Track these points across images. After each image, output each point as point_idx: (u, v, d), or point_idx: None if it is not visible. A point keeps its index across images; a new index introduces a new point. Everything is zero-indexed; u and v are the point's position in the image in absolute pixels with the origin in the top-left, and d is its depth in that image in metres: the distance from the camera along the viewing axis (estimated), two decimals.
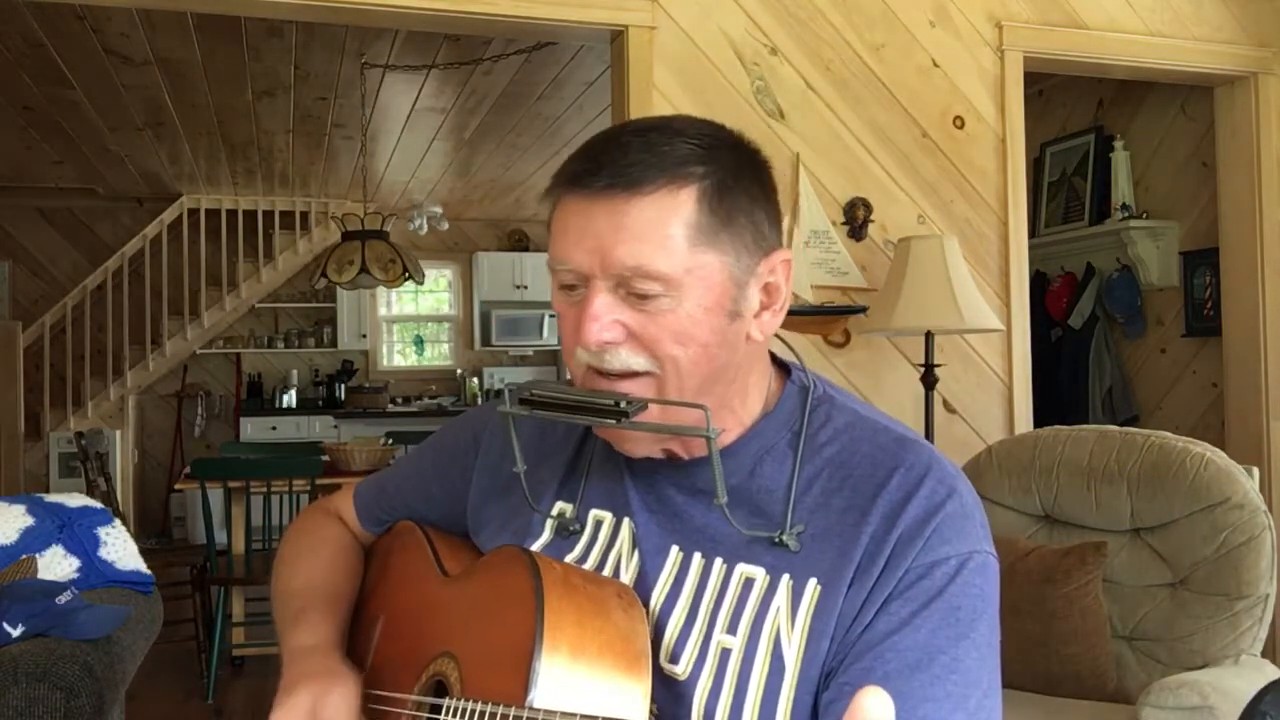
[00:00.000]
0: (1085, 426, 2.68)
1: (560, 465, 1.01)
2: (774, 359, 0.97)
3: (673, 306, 0.83)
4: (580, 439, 1.01)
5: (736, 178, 0.86)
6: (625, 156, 0.83)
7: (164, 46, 4.26)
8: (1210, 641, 2.31)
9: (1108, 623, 2.40)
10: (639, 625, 0.83)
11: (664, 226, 0.82)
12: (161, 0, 3.14)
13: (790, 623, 0.84)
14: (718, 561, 0.89)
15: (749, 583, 0.87)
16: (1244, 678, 2.18)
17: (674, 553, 0.91)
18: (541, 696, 0.76)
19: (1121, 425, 3.24)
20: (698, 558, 0.90)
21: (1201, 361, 4.14)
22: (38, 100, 5.02)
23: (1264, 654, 2.35)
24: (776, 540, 0.86)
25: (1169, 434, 2.51)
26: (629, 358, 0.85)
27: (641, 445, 0.89)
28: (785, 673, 0.83)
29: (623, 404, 0.83)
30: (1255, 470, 2.42)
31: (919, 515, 0.84)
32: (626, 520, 0.94)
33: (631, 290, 0.83)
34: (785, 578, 0.85)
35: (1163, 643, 2.38)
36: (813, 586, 0.84)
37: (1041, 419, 3.35)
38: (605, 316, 0.84)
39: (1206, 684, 2.07)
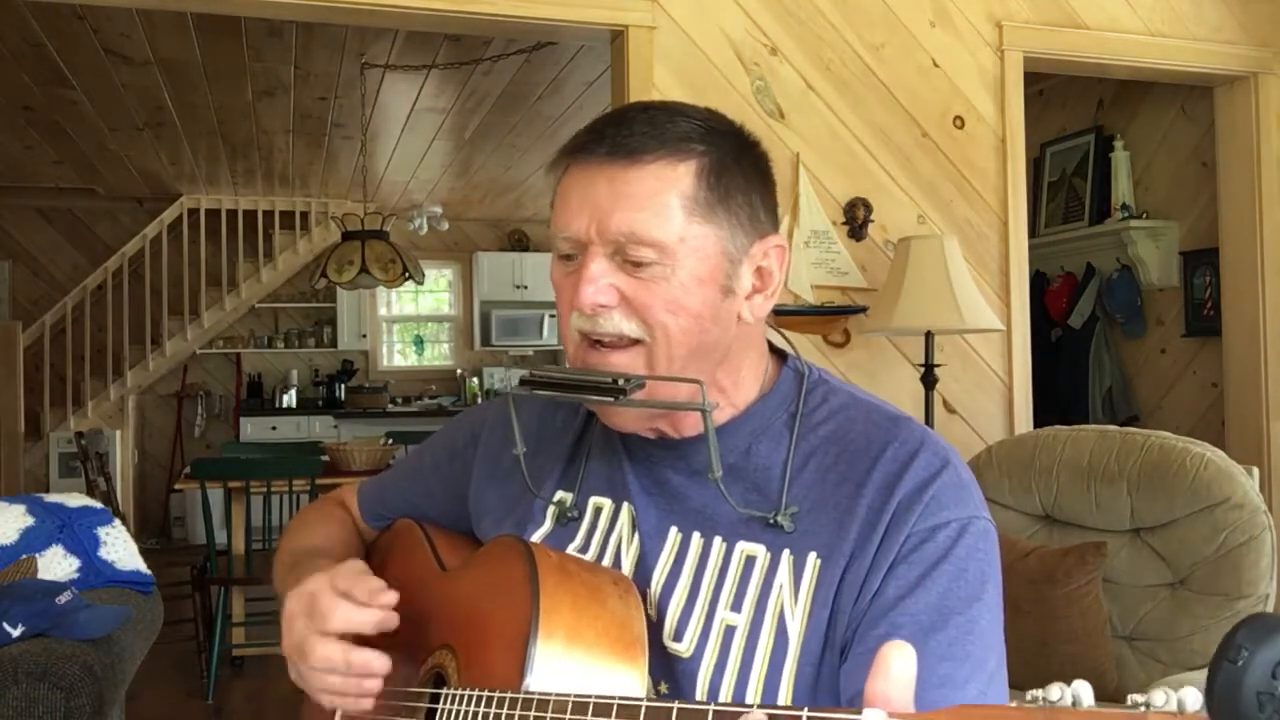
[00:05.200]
0: (1085, 426, 2.68)
1: (560, 454, 1.02)
2: (771, 348, 0.99)
3: (666, 275, 0.85)
4: (580, 428, 1.02)
5: (736, 159, 0.89)
6: (628, 128, 0.87)
7: (164, 46, 4.26)
8: (1210, 641, 2.31)
9: (1108, 623, 2.40)
10: (635, 612, 0.84)
11: (661, 195, 0.85)
12: (161, 0, 3.14)
13: (794, 597, 0.86)
14: (717, 540, 0.90)
15: (750, 560, 0.88)
16: None
17: (673, 534, 0.92)
18: (537, 680, 0.77)
19: (1121, 425, 3.24)
20: (696, 537, 0.91)
21: (1201, 361, 4.14)
22: (38, 100, 5.02)
23: None
24: (771, 521, 0.88)
25: (1169, 434, 2.51)
26: (621, 322, 0.86)
27: (630, 421, 0.91)
28: (789, 646, 0.84)
29: (620, 382, 0.85)
30: (1255, 470, 2.42)
31: (915, 484, 0.85)
32: (626, 505, 0.95)
33: (627, 257, 0.85)
34: (786, 553, 0.87)
35: (1163, 643, 2.38)
36: (813, 560, 0.86)
37: (1041, 419, 3.35)
38: (600, 280, 0.86)
39: None
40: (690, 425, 0.92)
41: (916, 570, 0.83)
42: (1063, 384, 4.56)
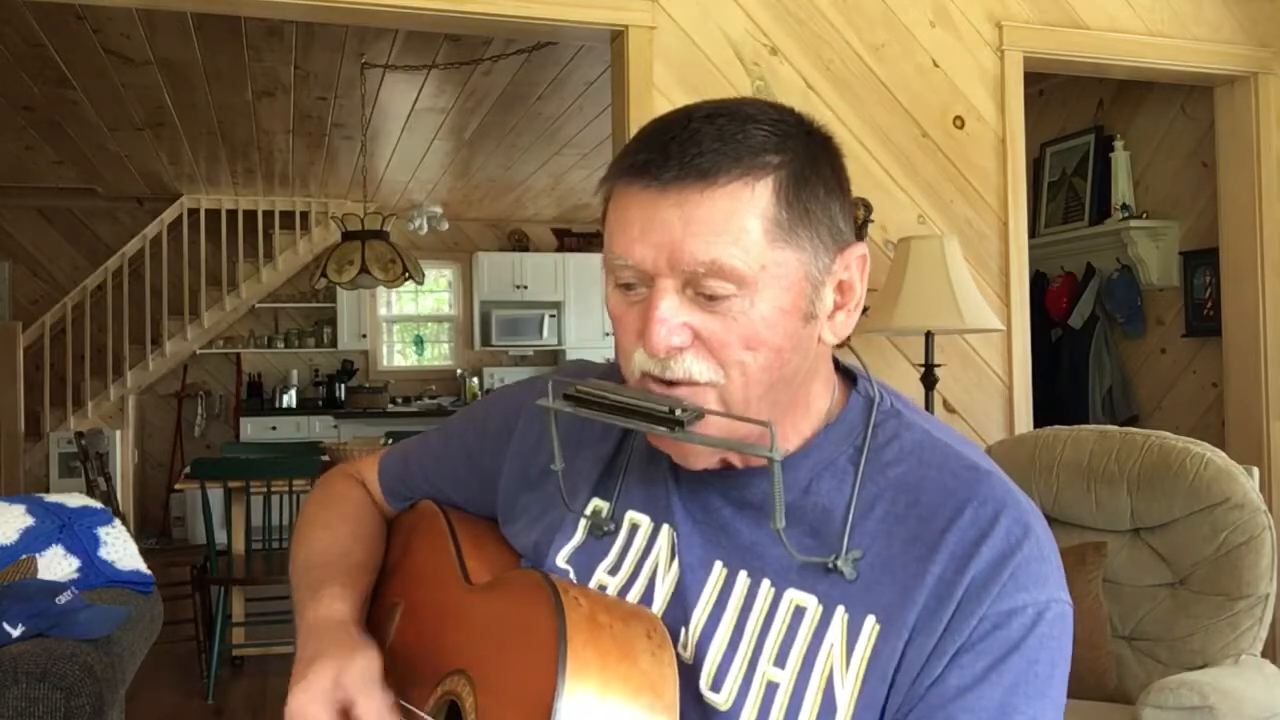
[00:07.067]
0: (1085, 426, 2.68)
1: (598, 459, 0.95)
2: (839, 366, 0.91)
3: (745, 308, 0.77)
4: (620, 435, 0.95)
5: (814, 168, 0.80)
6: (696, 145, 0.76)
7: (164, 46, 4.26)
8: (1210, 641, 2.31)
9: (1108, 623, 2.40)
10: (668, 671, 0.79)
11: (739, 220, 0.76)
12: (161, 0, 3.14)
13: (845, 662, 0.78)
14: (765, 583, 0.82)
15: (800, 611, 0.81)
16: (1244, 678, 2.19)
17: (718, 569, 0.85)
18: None
19: (1121, 425, 3.24)
20: (743, 577, 0.84)
21: (1201, 361, 4.14)
22: (38, 100, 5.02)
23: (1264, 654, 2.35)
24: (831, 566, 0.80)
25: (1169, 434, 2.51)
26: (693, 365, 0.78)
27: (702, 457, 0.83)
28: (836, 714, 0.78)
29: (678, 412, 0.76)
30: (1255, 470, 2.42)
31: (993, 558, 0.77)
32: (666, 527, 0.88)
33: (700, 290, 0.77)
34: (840, 610, 0.79)
35: (1163, 643, 2.38)
36: (870, 625, 0.78)
37: (1041, 419, 3.36)
38: (673, 319, 0.77)
39: (1206, 684, 2.07)
40: (754, 457, 0.84)
41: (984, 661, 0.75)
42: (1063, 384, 4.56)
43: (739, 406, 0.79)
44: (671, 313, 0.77)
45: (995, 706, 0.75)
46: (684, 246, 0.76)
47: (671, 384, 0.79)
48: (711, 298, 0.77)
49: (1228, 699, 2.04)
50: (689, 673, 0.82)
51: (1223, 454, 2.41)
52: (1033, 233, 4.28)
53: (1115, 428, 2.65)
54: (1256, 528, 2.29)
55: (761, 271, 0.76)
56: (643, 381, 0.80)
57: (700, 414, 0.77)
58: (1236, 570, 2.30)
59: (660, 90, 3.04)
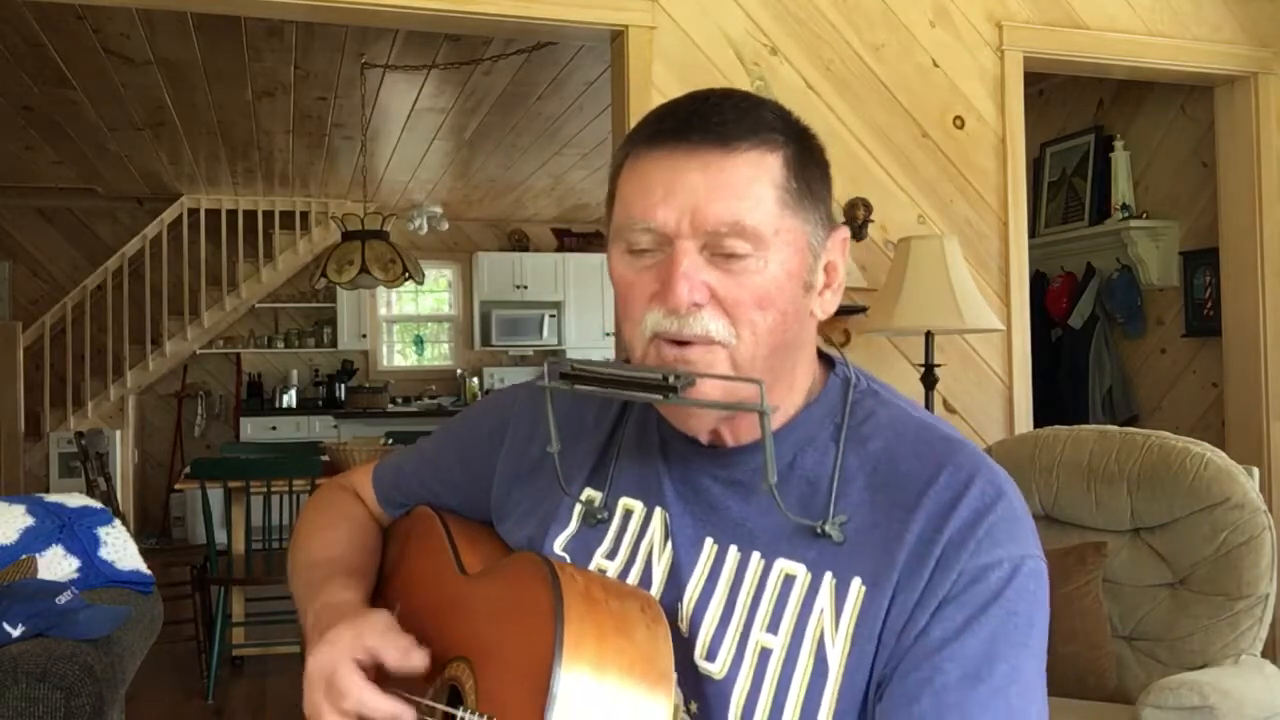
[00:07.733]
0: (1085, 426, 2.68)
1: (590, 451, 0.98)
2: (819, 353, 0.96)
3: (759, 268, 0.82)
4: (612, 424, 0.98)
5: (810, 154, 0.87)
6: (719, 114, 0.83)
7: (164, 46, 4.26)
8: (1210, 641, 2.31)
9: (1108, 623, 2.40)
10: (663, 645, 0.81)
11: (758, 185, 0.82)
12: (161, 0, 3.14)
13: (835, 624, 0.82)
14: (755, 555, 0.86)
15: (789, 580, 0.84)
16: (1244, 678, 2.19)
17: (708, 545, 0.88)
18: (559, 718, 0.75)
19: (1121, 425, 3.24)
20: (733, 550, 0.87)
21: (1201, 361, 4.14)
22: (38, 100, 5.02)
23: (1264, 654, 2.35)
24: (819, 531, 0.84)
25: (1169, 434, 2.51)
26: (710, 323, 0.81)
27: (707, 420, 0.86)
28: (829, 675, 0.81)
29: (670, 379, 0.80)
30: (1255, 470, 2.42)
31: (969, 517, 0.81)
32: (659, 510, 0.91)
33: (719, 250, 0.81)
34: (828, 575, 0.83)
35: (1163, 643, 2.38)
36: (857, 587, 0.82)
37: (1041, 419, 3.35)
38: (695, 277, 0.81)
39: (1206, 684, 2.07)
40: (746, 432, 0.88)
41: (965, 612, 0.79)
42: (1063, 384, 4.56)
43: (745, 368, 0.83)
44: (694, 270, 0.81)
45: (979, 655, 0.78)
46: (708, 208, 0.80)
47: (685, 343, 0.82)
48: (729, 256, 0.81)
49: (1228, 699, 2.04)
50: (684, 645, 0.85)
51: (1223, 454, 2.41)
52: (1033, 233, 4.29)
53: (1115, 428, 2.65)
54: (1256, 528, 2.29)
55: (775, 234, 0.82)
56: (654, 344, 0.83)
57: (692, 380, 0.81)
58: (1236, 570, 2.30)
59: (660, 90, 3.04)
